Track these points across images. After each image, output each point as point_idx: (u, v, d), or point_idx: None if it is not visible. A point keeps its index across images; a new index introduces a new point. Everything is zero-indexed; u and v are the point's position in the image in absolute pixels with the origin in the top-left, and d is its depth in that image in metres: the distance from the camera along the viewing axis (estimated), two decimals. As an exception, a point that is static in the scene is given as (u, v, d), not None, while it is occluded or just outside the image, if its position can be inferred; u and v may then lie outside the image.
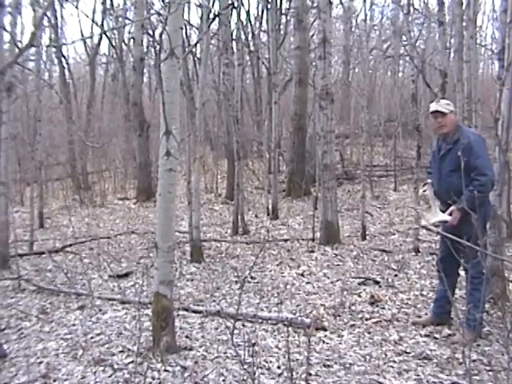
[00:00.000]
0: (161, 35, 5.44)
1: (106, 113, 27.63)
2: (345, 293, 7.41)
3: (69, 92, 24.91)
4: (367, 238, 10.91)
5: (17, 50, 9.50)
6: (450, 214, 5.70)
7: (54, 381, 5.12)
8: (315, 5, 18.05)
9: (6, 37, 9.76)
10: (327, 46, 10.42)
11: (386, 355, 5.37)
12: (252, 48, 24.27)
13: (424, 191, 6.10)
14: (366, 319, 6.48)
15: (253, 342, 5.59)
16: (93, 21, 28.24)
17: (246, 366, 4.16)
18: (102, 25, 27.23)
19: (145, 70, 24.23)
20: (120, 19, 26.05)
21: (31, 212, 12.67)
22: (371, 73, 21.35)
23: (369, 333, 6.04)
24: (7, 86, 9.10)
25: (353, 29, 28.60)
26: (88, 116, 24.77)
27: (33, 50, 15.19)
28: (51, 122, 22.94)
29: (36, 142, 15.11)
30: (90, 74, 27.47)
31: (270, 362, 5.26)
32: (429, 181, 6.05)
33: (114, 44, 26.30)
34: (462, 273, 6.07)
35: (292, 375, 4.33)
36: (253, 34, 24.66)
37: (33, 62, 17.73)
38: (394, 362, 5.21)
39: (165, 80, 5.25)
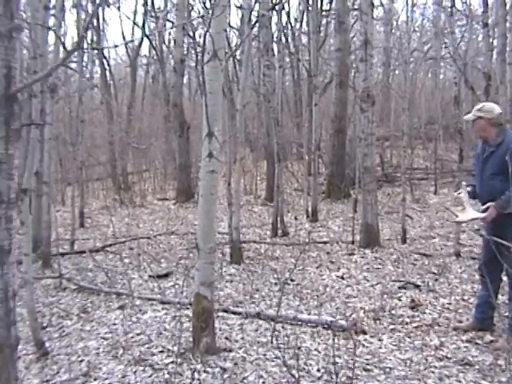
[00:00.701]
0: (204, 37, 5.45)
1: (146, 114, 27.82)
2: (385, 296, 7.36)
3: (110, 93, 25.12)
4: (407, 241, 10.82)
5: (61, 51, 9.59)
6: (485, 212, 5.64)
7: (95, 379, 5.16)
8: (356, 6, 18.02)
9: (50, 39, 9.87)
10: (369, 48, 10.37)
11: (426, 360, 5.32)
12: (292, 50, 24.25)
13: (459, 193, 6.05)
14: (407, 323, 6.42)
15: (298, 345, 5.57)
16: (134, 23, 28.46)
17: (289, 370, 4.14)
18: (144, 27, 27.43)
19: (185, 72, 24.32)
20: (161, 21, 26.20)
21: (72, 211, 12.81)
22: (412, 75, 21.21)
23: (409, 337, 5.99)
24: (51, 87, 9.21)
25: (393, 30, 28.40)
26: (128, 117, 24.96)
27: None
28: (92, 122, 23.17)
29: (78, 142, 15.26)
30: (131, 75, 27.68)
31: (310, 364, 5.23)
32: (463, 183, 6.02)
33: (154, 45, 26.45)
34: (505, 278, 5.99)
35: (337, 379, 4.29)
36: (293, 35, 24.65)
37: (75, 64, 17.95)
38: (435, 367, 5.15)
39: (208, 82, 5.26)
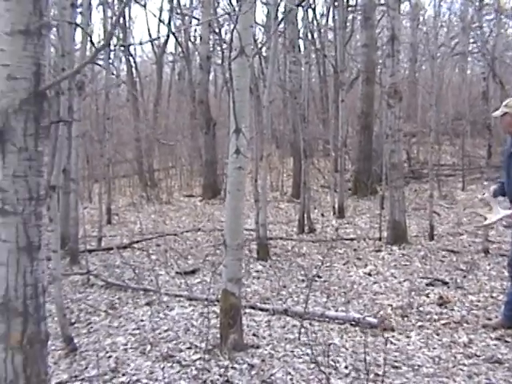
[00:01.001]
0: (231, 33, 5.44)
1: (172, 111, 27.88)
2: (412, 293, 7.32)
3: (136, 90, 25.20)
4: (435, 238, 10.75)
5: (88, 49, 9.63)
6: None
7: (123, 375, 5.18)
8: (382, 2, 17.91)
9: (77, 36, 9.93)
10: (396, 44, 10.31)
11: (455, 358, 5.28)
12: (318, 46, 24.17)
13: (483, 194, 6.01)
14: (435, 320, 6.38)
15: (325, 342, 5.57)
16: (160, 20, 28.51)
17: (319, 366, 4.12)
18: (169, 24, 27.45)
19: (211, 69, 24.33)
20: (187, 18, 26.24)
21: (99, 208, 12.89)
22: (439, 70, 21.06)
23: (437, 334, 5.95)
24: (78, 84, 9.26)
25: (419, 26, 28.18)
26: (155, 114, 25.03)
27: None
28: (119, 119, 23.26)
29: (105, 139, 15.33)
30: (157, 72, 27.73)
31: (338, 361, 5.22)
32: (485, 183, 6.01)
33: (180, 43, 26.48)
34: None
35: (368, 376, 4.26)
36: (319, 31, 24.57)
37: (101, 61, 18.02)
38: (464, 365, 5.12)
39: (235, 78, 5.26)
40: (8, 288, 3.03)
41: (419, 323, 6.30)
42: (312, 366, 5.06)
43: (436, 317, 6.49)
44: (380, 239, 10.75)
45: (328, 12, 25.28)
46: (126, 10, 24.78)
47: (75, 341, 6.06)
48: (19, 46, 2.95)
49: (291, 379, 4.85)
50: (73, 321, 6.95)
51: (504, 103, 5.99)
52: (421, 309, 6.77)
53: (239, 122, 5.24)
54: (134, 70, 25.99)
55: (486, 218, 6.17)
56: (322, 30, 24.87)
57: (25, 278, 3.04)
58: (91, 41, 18.10)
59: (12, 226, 3.00)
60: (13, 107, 2.96)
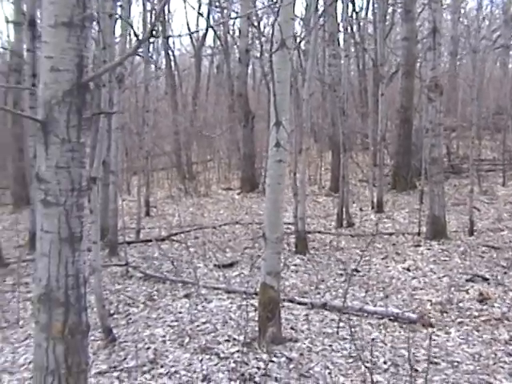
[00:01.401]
0: (272, 26, 5.42)
1: (210, 104, 27.92)
2: (452, 289, 7.25)
3: (175, 83, 25.27)
4: (475, 233, 10.62)
5: (128, 41, 9.67)
6: None
7: (162, 366, 5.21)
8: (424, -5, 17.74)
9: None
10: (437, 37, 10.19)
11: (495, 355, 5.22)
12: (358, 39, 24.02)
13: None
14: (475, 317, 6.31)
15: (363, 336, 5.54)
16: (199, 13, 28.55)
17: (363, 362, 4.10)
18: (208, 17, 27.50)
19: (249, 62, 24.30)
20: (225, 11, 26.23)
21: (138, 201, 12.97)
22: (480, 64, 20.79)
23: (477, 331, 5.89)
24: (119, 77, 9.31)
25: (460, 18, 27.85)
26: (193, 107, 25.07)
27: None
28: (157, 112, 23.36)
29: (144, 132, 15.40)
30: (196, 65, 27.77)
31: (376, 356, 5.19)
32: None
33: (219, 36, 26.50)
34: None
35: (411, 371, 4.22)
36: (359, 25, 24.41)
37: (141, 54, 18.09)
38: (505, 362, 5.06)
39: (276, 71, 5.24)
40: (50, 278, 3.05)
41: (459, 319, 6.24)
42: (350, 360, 5.04)
43: (476, 313, 6.42)
44: (419, 234, 10.65)
45: (368, 5, 25.12)
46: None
47: (114, 332, 6.12)
48: (62, 38, 2.96)
49: (329, 373, 4.84)
50: (112, 312, 7.02)
51: None
52: (460, 305, 6.70)
53: (280, 114, 5.22)
54: (172, 63, 26.05)
55: None
56: (362, 23, 24.69)
57: (66, 269, 3.06)
58: (134, 33, 18.23)
59: (54, 216, 3.02)
60: (56, 99, 2.97)
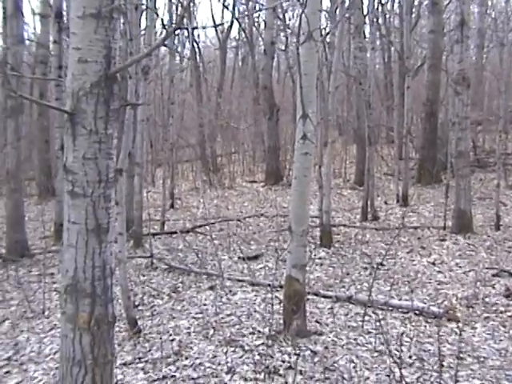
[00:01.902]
0: (299, 18, 5.39)
1: (235, 96, 27.90)
2: (478, 284, 7.18)
3: (199, 75, 25.28)
4: (501, 228, 10.53)
5: (153, 32, 9.68)
6: None
7: (186, 358, 5.23)
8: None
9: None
10: (465, 29, 10.11)
11: (522, 351, 5.17)
12: (384, 32, 23.88)
13: None
14: (501, 312, 6.26)
15: (388, 331, 5.52)
16: (224, 5, 28.53)
17: (392, 357, 4.07)
18: (233, 9, 27.47)
19: (275, 54, 24.25)
20: (251, 3, 26.18)
21: (163, 192, 13.01)
22: (507, 56, 20.55)
23: (504, 326, 5.84)
24: (144, 69, 9.31)
25: (488, 11, 27.56)
26: (218, 99, 25.07)
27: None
28: (182, 104, 23.39)
29: (168, 124, 15.42)
30: (221, 57, 27.76)
31: (402, 351, 5.16)
32: None
33: (244, 28, 26.47)
34: None
35: (441, 368, 4.19)
36: (385, 17, 24.26)
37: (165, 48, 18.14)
38: (532, 358, 5.01)
39: (303, 63, 5.22)
40: (77, 269, 3.07)
41: (485, 314, 6.19)
42: (375, 354, 5.02)
43: (502, 308, 6.37)
44: (444, 228, 10.58)
45: (394, -3, 24.94)
46: (192, -5, 24.87)
47: (139, 323, 6.14)
48: (91, 29, 2.97)
49: (354, 367, 4.83)
50: (137, 303, 7.04)
51: None
52: (487, 300, 6.65)
53: (306, 107, 5.20)
54: (197, 55, 26.07)
55: None
56: (388, 16, 24.53)
57: (93, 260, 3.07)
58: (162, 24, 18.23)
59: (81, 208, 3.03)
60: (84, 90, 2.98)
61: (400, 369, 4.06)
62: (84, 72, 2.98)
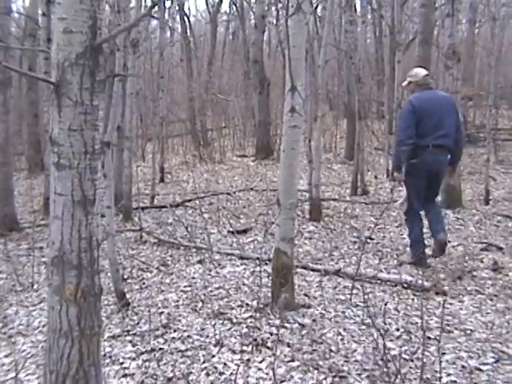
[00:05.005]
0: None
1: (225, 70, 27.80)
2: (466, 258, 7.21)
3: (190, 49, 25.15)
4: (490, 202, 10.57)
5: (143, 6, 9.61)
6: None
7: (175, 331, 5.24)
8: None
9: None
10: (456, 3, 10.07)
11: (509, 324, 5.19)
12: (375, 6, 23.76)
13: None
14: (488, 286, 6.29)
15: (376, 303, 5.54)
16: (214, -23, 28.35)
17: (376, 327, 4.09)
18: (224, -18, 27.32)
19: (266, 28, 24.12)
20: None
21: (153, 167, 12.98)
22: (499, 31, 20.49)
23: (491, 300, 5.86)
24: (133, 42, 9.25)
25: (480, -15, 27.41)
26: (208, 73, 24.97)
27: (156, 7, 15.37)
28: (172, 78, 23.28)
29: (158, 98, 15.36)
30: (211, 31, 27.63)
31: (389, 323, 5.18)
32: None
33: (235, 1, 26.32)
34: None
35: (424, 339, 4.21)
36: (376, -9, 24.14)
37: (156, 20, 18.00)
38: (518, 331, 5.04)
39: (291, 35, 5.18)
40: (63, 241, 3.05)
41: (472, 288, 6.21)
42: (363, 327, 5.04)
43: (490, 282, 6.39)
44: (434, 202, 10.60)
45: (385, -30, 24.79)
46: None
47: (127, 296, 6.15)
48: (76, -1, 2.93)
49: (342, 340, 4.84)
50: (125, 277, 7.06)
51: (408, 74, 7.37)
52: (474, 273, 6.67)
53: (295, 79, 5.17)
54: (188, 29, 25.92)
55: None
56: (379, -11, 24.41)
57: (79, 232, 3.06)
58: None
59: (67, 179, 3.01)
60: (69, 61, 2.95)
61: (383, 338, 4.07)
62: (69, 42, 2.94)
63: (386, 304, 5.38)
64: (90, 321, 3.15)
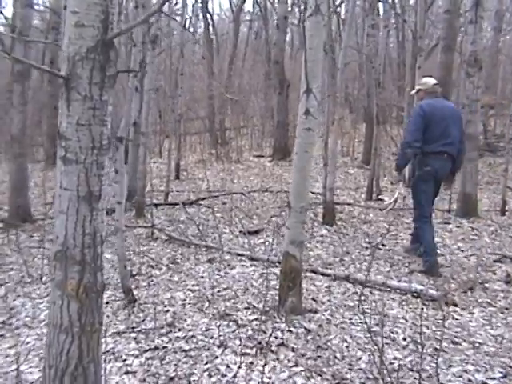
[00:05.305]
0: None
1: (246, 70, 27.76)
2: (479, 269, 7.12)
3: (212, 48, 25.15)
4: (507, 213, 10.46)
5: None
6: None
7: (179, 330, 5.20)
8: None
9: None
10: (479, 10, 10.00)
11: (519, 338, 5.12)
12: (398, 10, 23.64)
13: None
14: (500, 299, 6.20)
15: (385, 311, 5.47)
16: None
17: (372, 335, 4.04)
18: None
19: (288, 29, 24.07)
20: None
21: (168, 163, 12.97)
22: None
23: (502, 313, 5.78)
24: (152, 38, 9.25)
25: (507, -8, 27.16)
26: (229, 72, 24.95)
27: (179, 4, 15.37)
28: (193, 76, 23.28)
29: (177, 95, 15.34)
30: (234, 30, 27.60)
31: (396, 332, 5.13)
32: None
33: (258, 1, 26.28)
34: None
35: (422, 350, 4.15)
36: (400, -5, 24.02)
37: (179, 17, 17.99)
38: (528, 346, 4.96)
39: (308, 37, 5.13)
40: (67, 236, 3.03)
41: (484, 300, 6.13)
42: (369, 335, 4.98)
43: (502, 294, 6.31)
44: (449, 211, 10.51)
45: (410, -25, 24.66)
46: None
47: (135, 293, 6.12)
48: (88, -8, 2.91)
49: (347, 347, 4.79)
50: (134, 273, 7.03)
51: (417, 82, 7.86)
52: (486, 285, 6.58)
53: (310, 82, 5.13)
54: (211, 27, 25.93)
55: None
56: (403, -6, 24.28)
57: (83, 227, 3.04)
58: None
59: (73, 174, 2.99)
60: (79, 55, 2.92)
61: (380, 350, 4.02)
62: (80, 36, 2.92)
63: (384, 316, 5.30)
64: (91, 317, 3.13)
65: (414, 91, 7.84)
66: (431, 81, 7.54)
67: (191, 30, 23.30)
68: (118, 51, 3.07)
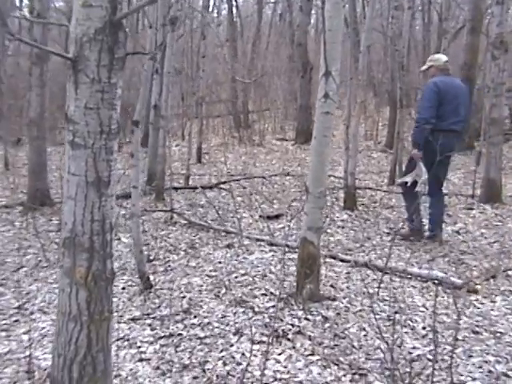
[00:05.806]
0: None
1: (270, 53, 27.58)
2: (502, 256, 6.98)
3: (235, 30, 25.01)
4: (531, 199, 10.29)
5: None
6: None
7: (195, 317, 5.15)
8: None
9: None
10: (506, -9, 9.81)
11: (542, 328, 5.00)
12: (424, -8, 23.37)
13: None
14: (524, 286, 6.08)
15: (404, 299, 5.37)
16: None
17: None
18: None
19: (312, 11, 23.85)
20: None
21: (189, 146, 12.89)
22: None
23: (525, 301, 5.66)
24: (172, 20, 9.15)
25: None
26: (252, 55, 24.79)
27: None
28: (216, 59, 23.15)
29: (198, 77, 15.22)
30: (258, 12, 27.44)
31: (416, 321, 5.03)
32: None
33: (283, -17, 26.11)
34: None
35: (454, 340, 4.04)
36: (426, -24, 23.72)
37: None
38: (551, 335, 4.84)
39: (327, 19, 5.01)
40: (75, 222, 2.96)
41: (506, 288, 6.00)
42: (388, 323, 4.88)
43: (525, 283, 6.18)
44: (473, 197, 10.34)
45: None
46: None
47: (151, 278, 6.07)
48: (96, -29, 2.82)
49: (365, 336, 4.71)
50: (152, 258, 6.98)
51: (428, 59, 7.90)
52: (509, 273, 6.44)
53: (329, 64, 5.01)
54: (234, 9, 25.78)
55: None
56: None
57: (92, 214, 2.96)
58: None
59: (81, 159, 2.91)
60: (87, 36, 2.84)
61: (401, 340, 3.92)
62: (88, 17, 2.83)
63: (404, 303, 5.20)
64: (100, 306, 3.06)
65: (424, 67, 7.91)
66: (443, 57, 7.70)
67: (215, 11, 23.15)
68: (127, 32, 2.98)
